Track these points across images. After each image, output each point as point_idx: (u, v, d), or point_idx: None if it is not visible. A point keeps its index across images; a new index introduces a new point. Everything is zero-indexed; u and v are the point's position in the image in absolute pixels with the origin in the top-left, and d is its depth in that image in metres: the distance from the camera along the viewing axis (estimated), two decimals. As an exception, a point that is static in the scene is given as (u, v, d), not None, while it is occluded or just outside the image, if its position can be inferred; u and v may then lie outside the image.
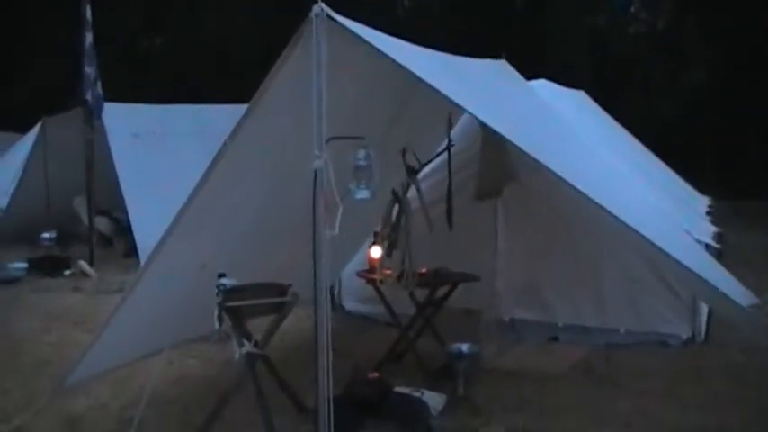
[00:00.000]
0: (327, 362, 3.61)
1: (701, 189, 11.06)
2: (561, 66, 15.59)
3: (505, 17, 18.60)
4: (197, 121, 10.55)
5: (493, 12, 18.07)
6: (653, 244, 4.06)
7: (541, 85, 7.62)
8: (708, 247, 6.59)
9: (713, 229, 7.53)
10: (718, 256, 6.74)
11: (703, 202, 9.99)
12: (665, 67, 18.03)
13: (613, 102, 12.52)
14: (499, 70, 6.25)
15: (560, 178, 3.80)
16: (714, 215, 9.06)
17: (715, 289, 4.44)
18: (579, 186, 3.87)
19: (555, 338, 7.01)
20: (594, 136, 7.45)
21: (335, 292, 7.86)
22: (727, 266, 6.83)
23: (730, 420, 5.13)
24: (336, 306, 7.86)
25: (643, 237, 4.04)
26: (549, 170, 3.84)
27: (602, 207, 3.91)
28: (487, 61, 6.11)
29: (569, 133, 6.31)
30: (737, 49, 18.34)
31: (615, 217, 3.94)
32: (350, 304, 7.84)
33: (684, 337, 6.77)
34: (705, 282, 4.39)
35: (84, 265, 11.03)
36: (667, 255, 4.09)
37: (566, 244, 6.74)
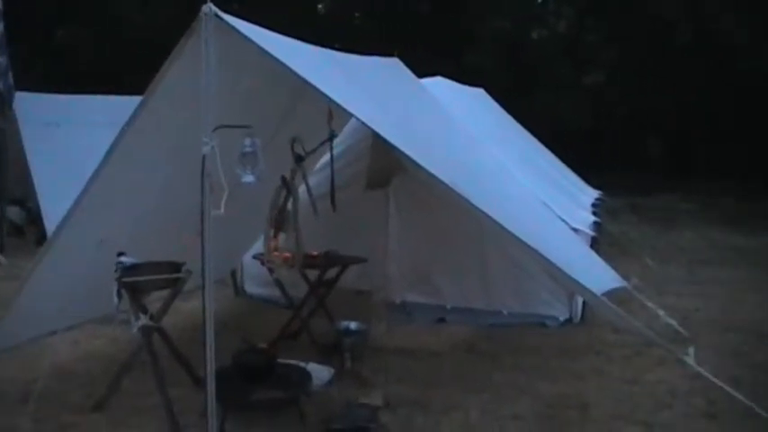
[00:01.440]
0: (211, 331, 3.84)
1: (601, 185, 11.59)
2: (473, 67, 16.10)
3: (420, 19, 19.04)
4: (109, 112, 10.44)
5: (407, 15, 18.51)
6: (509, 232, 4.40)
7: (435, 83, 8.00)
8: (582, 234, 7.12)
9: (592, 219, 8.06)
10: (593, 243, 7.31)
11: (593, 195, 10.52)
12: (568, 68, 18.79)
13: (519, 101, 13.03)
14: (390, 68, 6.55)
15: (425, 170, 4.14)
16: (601, 208, 9.61)
17: (569, 276, 4.80)
18: (445, 179, 4.21)
19: (443, 320, 7.35)
20: (484, 131, 7.85)
21: (238, 276, 8.06)
22: (603, 253, 7.42)
23: (589, 390, 5.59)
24: (239, 290, 8.11)
25: (502, 227, 4.37)
26: (417, 164, 4.18)
27: (465, 198, 4.24)
28: (379, 59, 6.41)
29: (455, 129, 6.68)
30: (635, 51, 19.21)
31: (476, 207, 4.26)
32: (252, 288, 8.03)
33: (562, 318, 7.26)
34: (560, 269, 4.76)
35: (-6, 252, 10.90)
36: (520, 240, 4.42)
37: (453, 230, 7.04)
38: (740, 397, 3.91)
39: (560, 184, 9.21)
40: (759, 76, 18.49)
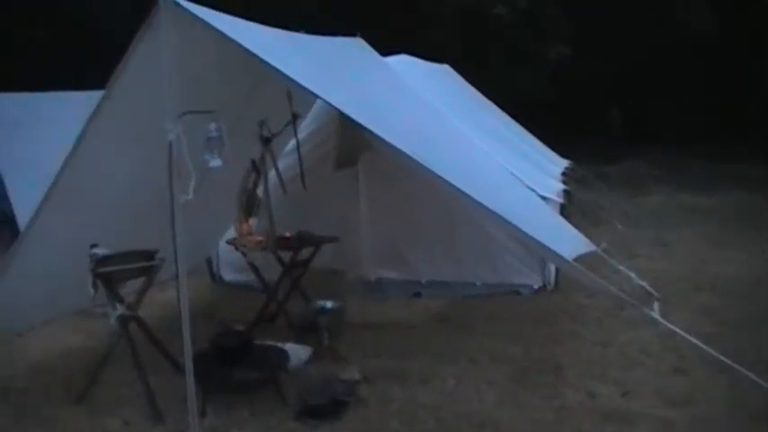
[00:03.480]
0: (186, 315, 3.86)
1: (569, 155, 11.67)
2: (436, 45, 16.08)
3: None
4: (74, 108, 10.23)
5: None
6: (477, 202, 4.38)
7: (399, 60, 7.99)
8: (551, 202, 7.19)
9: (560, 187, 8.13)
10: (562, 210, 7.37)
11: (562, 165, 10.59)
12: (529, 41, 18.96)
13: (483, 76, 13.05)
14: (353, 47, 6.54)
15: (389, 145, 4.16)
16: (570, 177, 9.69)
17: (539, 242, 4.78)
18: (409, 152, 4.21)
19: (418, 294, 7.40)
20: (451, 106, 7.87)
21: (214, 264, 8.05)
22: (574, 220, 7.49)
23: (563, 353, 5.70)
24: (216, 278, 8.09)
25: (469, 197, 4.35)
26: (381, 139, 4.19)
27: (430, 170, 4.22)
28: (341, 39, 6.41)
29: (420, 105, 6.70)
30: (596, 25, 19.46)
31: (441, 178, 4.25)
32: (229, 275, 8.00)
33: (536, 286, 7.37)
34: (529, 236, 4.73)
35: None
36: (488, 209, 4.41)
37: (423, 205, 7.11)
38: (711, 351, 4.00)
39: (529, 154, 9.27)
40: (714, 45, 18.88)
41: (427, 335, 6.26)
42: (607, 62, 19.67)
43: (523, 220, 4.81)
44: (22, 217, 9.65)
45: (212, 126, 4.10)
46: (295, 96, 5.55)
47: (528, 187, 6.94)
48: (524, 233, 4.61)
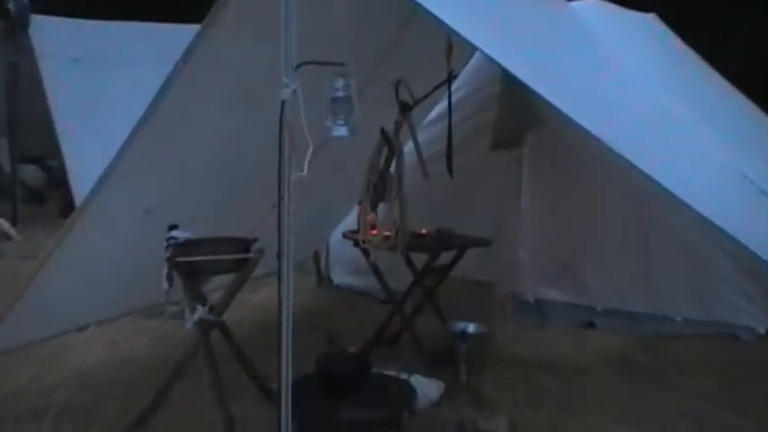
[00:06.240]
0: (288, 329, 3.83)
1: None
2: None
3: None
4: (156, 45, 10.14)
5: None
6: (688, 207, 4.27)
7: (590, 7, 7.83)
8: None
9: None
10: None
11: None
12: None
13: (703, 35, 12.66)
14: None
15: (572, 122, 4.09)
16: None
17: None
18: (599, 134, 4.14)
19: (591, 325, 7.36)
20: (656, 73, 7.70)
21: (322, 261, 8.21)
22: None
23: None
24: (324, 280, 8.27)
25: (679, 200, 4.25)
26: (561, 113, 4.12)
27: (626, 160, 4.13)
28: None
29: (616, 69, 6.56)
30: None
31: (641, 171, 4.16)
32: (340, 278, 8.21)
33: (762, 330, 7.20)
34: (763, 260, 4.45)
35: (4, 224, 11.38)
36: (703, 218, 4.28)
37: (607, 206, 7.04)
38: None
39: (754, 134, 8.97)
40: None
41: (602, 382, 6.21)
42: None
43: (755, 239, 4.59)
44: (78, 181, 10.00)
45: (339, 83, 3.99)
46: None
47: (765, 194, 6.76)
48: (762, 260, 4.49)
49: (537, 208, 7.41)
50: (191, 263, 4.93)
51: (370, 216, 5.88)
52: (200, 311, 4.99)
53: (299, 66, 3.85)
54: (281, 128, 3.88)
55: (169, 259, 4.90)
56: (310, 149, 3.81)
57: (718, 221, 4.31)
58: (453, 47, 5.55)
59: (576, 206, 7.28)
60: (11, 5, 10.97)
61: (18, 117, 11.49)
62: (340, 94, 4.03)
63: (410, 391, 5.13)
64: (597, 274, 7.46)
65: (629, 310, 7.38)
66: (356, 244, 6.18)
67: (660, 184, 4.15)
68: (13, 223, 11.48)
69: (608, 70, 6.38)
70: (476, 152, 7.00)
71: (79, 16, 11.34)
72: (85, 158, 9.61)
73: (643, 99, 6.44)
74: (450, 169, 6.13)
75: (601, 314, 7.47)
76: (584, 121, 4.11)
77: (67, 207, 10.98)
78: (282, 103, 3.86)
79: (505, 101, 6.89)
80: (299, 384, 4.07)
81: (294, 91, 3.85)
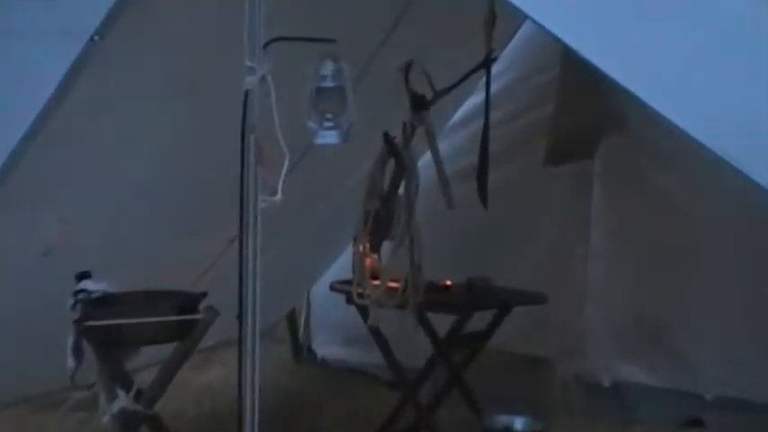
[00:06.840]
0: (254, 420, 3.42)
1: None
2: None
3: None
4: (55, 11, 10.33)
5: None
6: None
7: None
8: None
9: None
10: None
11: None
12: None
13: None
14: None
15: (671, 124, 3.25)
16: None
17: None
18: (709, 143, 3.29)
19: (698, 423, 6.54)
20: None
21: (301, 327, 7.90)
22: None
23: None
24: (303, 352, 7.95)
25: None
26: (654, 111, 3.27)
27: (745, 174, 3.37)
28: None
29: (727, 52, 5.76)
30: None
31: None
32: (326, 348, 7.86)
33: None
34: None
35: None
36: None
37: (716, 245, 6.23)
38: None
39: None
40: None
41: None
42: None
43: None
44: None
45: (327, 68, 3.54)
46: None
47: None
48: None
49: (613, 248, 6.65)
50: (109, 328, 4.44)
51: (370, 260, 5.40)
52: (123, 399, 4.50)
53: (268, 42, 3.47)
54: (243, 132, 3.49)
55: (77, 323, 4.39)
56: (286, 163, 3.42)
57: None
58: (497, 18, 5.13)
59: (671, 245, 6.45)
60: None
61: None
62: (328, 83, 3.65)
63: None
64: (704, 345, 6.48)
65: (752, 399, 6.35)
66: (349, 300, 5.72)
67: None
68: None
69: (722, 55, 5.58)
70: (523, 167, 6.55)
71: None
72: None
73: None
74: (483, 194, 5.54)
75: (711, 405, 6.53)
76: (687, 126, 3.28)
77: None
78: (246, 95, 3.48)
79: (567, 94, 6.15)
80: None
81: (263, 78, 3.45)
